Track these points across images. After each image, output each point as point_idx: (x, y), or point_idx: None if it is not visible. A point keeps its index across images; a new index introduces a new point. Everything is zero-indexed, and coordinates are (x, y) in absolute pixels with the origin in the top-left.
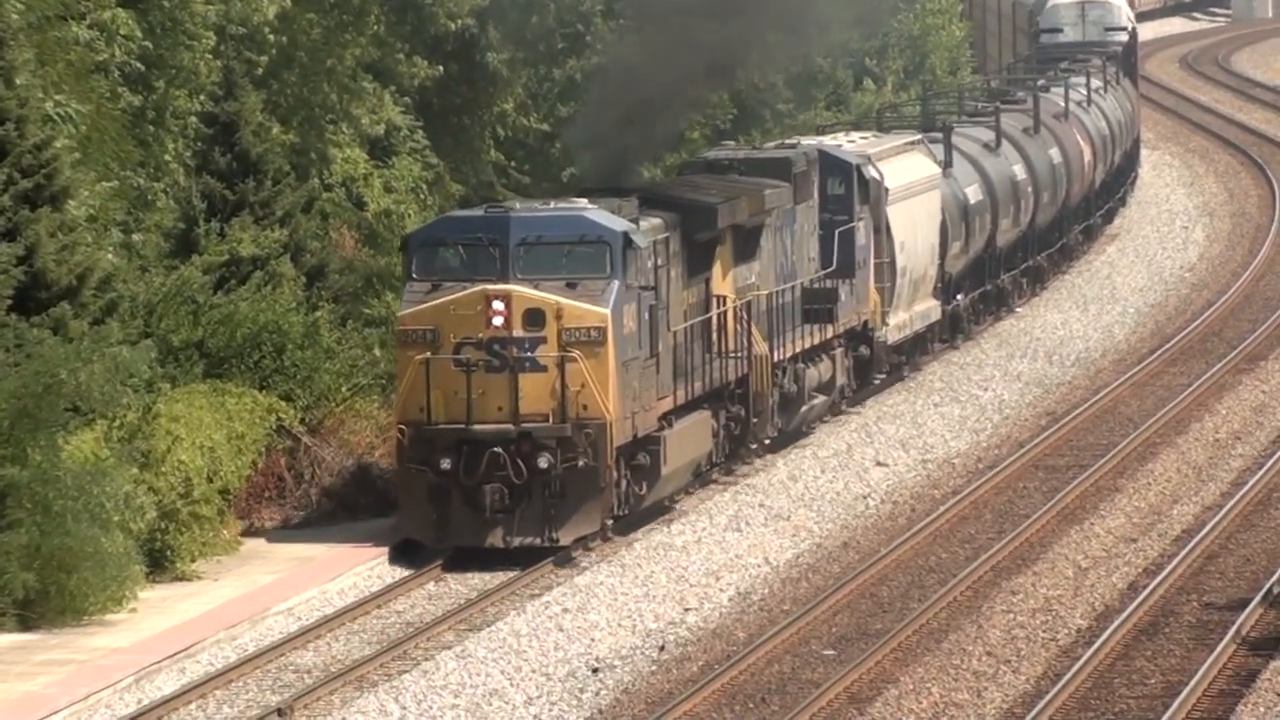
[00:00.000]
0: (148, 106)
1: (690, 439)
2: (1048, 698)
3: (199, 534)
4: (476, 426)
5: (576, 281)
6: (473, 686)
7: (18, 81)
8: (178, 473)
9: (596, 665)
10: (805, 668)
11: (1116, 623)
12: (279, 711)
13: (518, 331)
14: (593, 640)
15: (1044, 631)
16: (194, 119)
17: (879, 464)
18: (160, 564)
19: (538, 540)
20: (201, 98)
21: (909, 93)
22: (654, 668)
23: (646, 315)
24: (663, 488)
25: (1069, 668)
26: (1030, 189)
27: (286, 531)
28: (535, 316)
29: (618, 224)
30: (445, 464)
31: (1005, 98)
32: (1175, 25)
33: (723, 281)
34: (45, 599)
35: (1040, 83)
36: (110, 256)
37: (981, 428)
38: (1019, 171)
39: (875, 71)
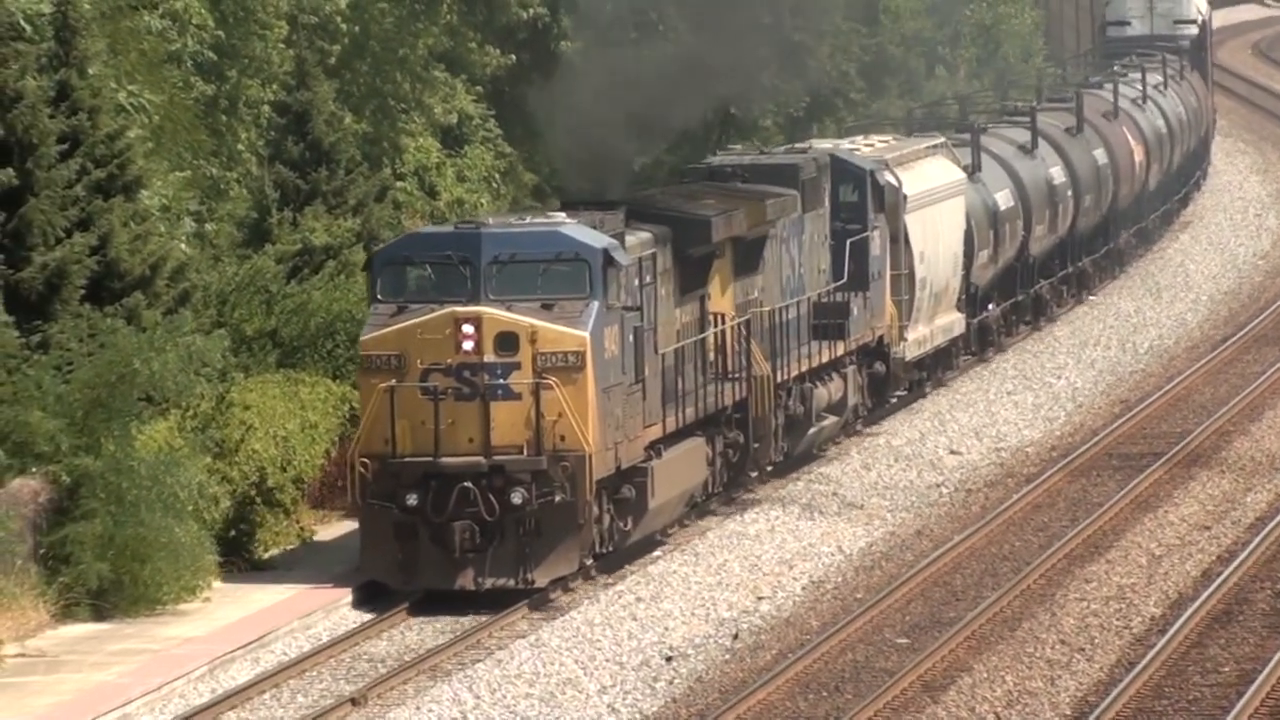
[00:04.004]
0: (220, 96)
1: (682, 469)
2: (1121, 685)
3: (273, 523)
4: (445, 459)
5: (553, 302)
6: (547, 675)
7: (91, 72)
8: (251, 462)
9: (670, 654)
10: (879, 656)
11: (1190, 610)
12: (353, 700)
13: (489, 357)
14: (666, 629)
15: (1118, 619)
16: (267, 108)
17: (952, 452)
18: (234, 553)
19: (511, 582)
20: (274, 87)
21: (982, 81)
22: (727, 656)
23: (631, 337)
24: (651, 522)
25: (1143, 656)
26: (1070, 192)
27: None
28: (508, 340)
29: (598, 240)
30: (411, 500)
31: (1051, 96)
32: (1247, 12)
33: (721, 298)
34: (119, 589)
35: (1096, 79)
36: (183, 246)
37: (1055, 416)
38: (1057, 174)
39: (948, 60)
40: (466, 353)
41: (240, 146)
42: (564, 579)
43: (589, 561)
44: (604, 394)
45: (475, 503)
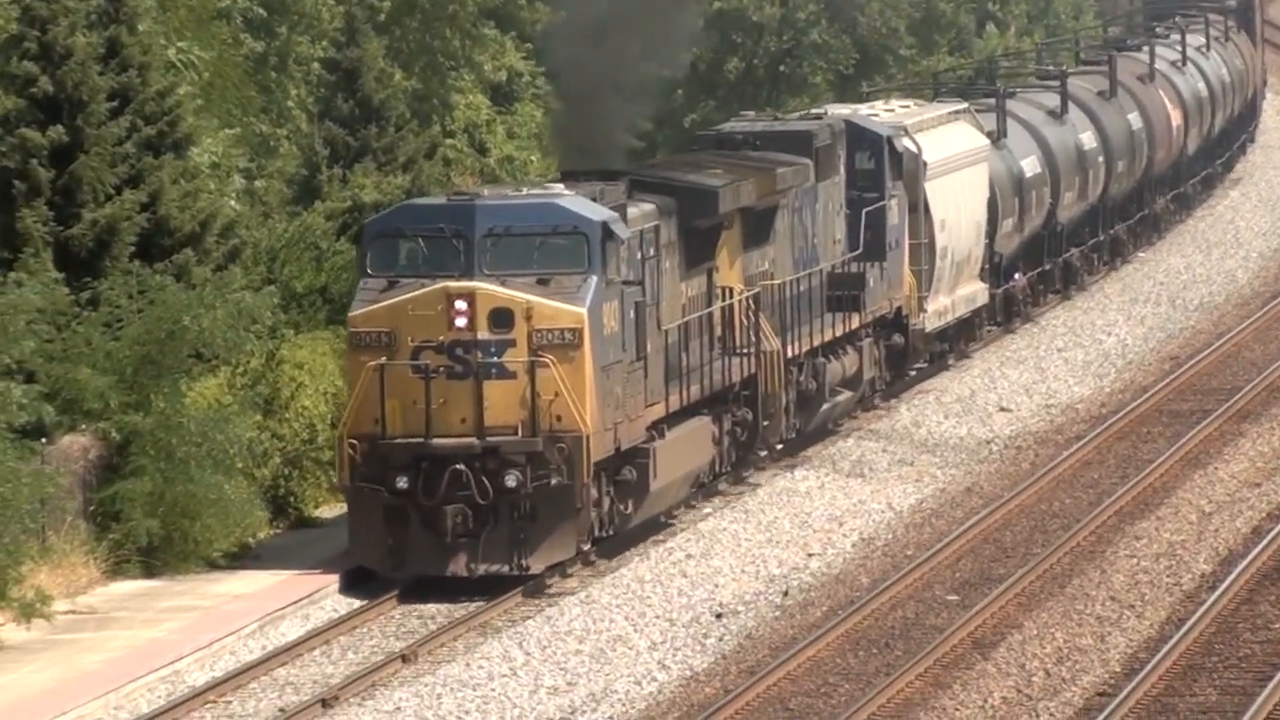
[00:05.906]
0: (270, 53)
1: (686, 449)
2: (1172, 642)
3: (323, 480)
4: (436, 440)
5: (549, 277)
6: (597, 632)
7: (140, 28)
8: (301, 419)
9: (720, 611)
10: (929, 613)
11: (1240, 567)
12: (404, 657)
13: (483, 334)
14: (716, 586)
15: (1168, 576)
16: (316, 65)
17: (1002, 409)
18: (284, 510)
19: (505, 568)
20: (324, 44)
21: (1032, 38)
22: (777, 613)
23: (632, 313)
24: (653, 505)
25: (1193, 612)
26: (1101, 158)
27: None
28: (502, 317)
29: (596, 212)
30: (402, 483)
31: (1086, 59)
32: None
33: (730, 271)
34: (169, 546)
35: (1135, 41)
36: (233, 203)
37: (1105, 373)
38: (1088, 140)
39: (998, 16)
40: (459, 330)
41: (290, 103)
42: (561, 565)
43: (587, 546)
44: (602, 372)
45: (468, 486)
